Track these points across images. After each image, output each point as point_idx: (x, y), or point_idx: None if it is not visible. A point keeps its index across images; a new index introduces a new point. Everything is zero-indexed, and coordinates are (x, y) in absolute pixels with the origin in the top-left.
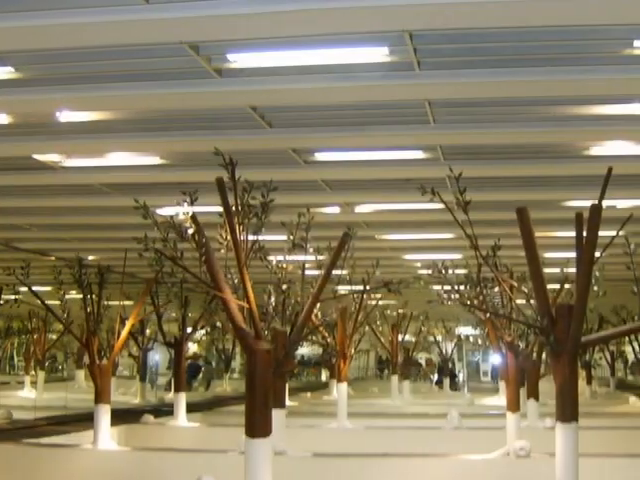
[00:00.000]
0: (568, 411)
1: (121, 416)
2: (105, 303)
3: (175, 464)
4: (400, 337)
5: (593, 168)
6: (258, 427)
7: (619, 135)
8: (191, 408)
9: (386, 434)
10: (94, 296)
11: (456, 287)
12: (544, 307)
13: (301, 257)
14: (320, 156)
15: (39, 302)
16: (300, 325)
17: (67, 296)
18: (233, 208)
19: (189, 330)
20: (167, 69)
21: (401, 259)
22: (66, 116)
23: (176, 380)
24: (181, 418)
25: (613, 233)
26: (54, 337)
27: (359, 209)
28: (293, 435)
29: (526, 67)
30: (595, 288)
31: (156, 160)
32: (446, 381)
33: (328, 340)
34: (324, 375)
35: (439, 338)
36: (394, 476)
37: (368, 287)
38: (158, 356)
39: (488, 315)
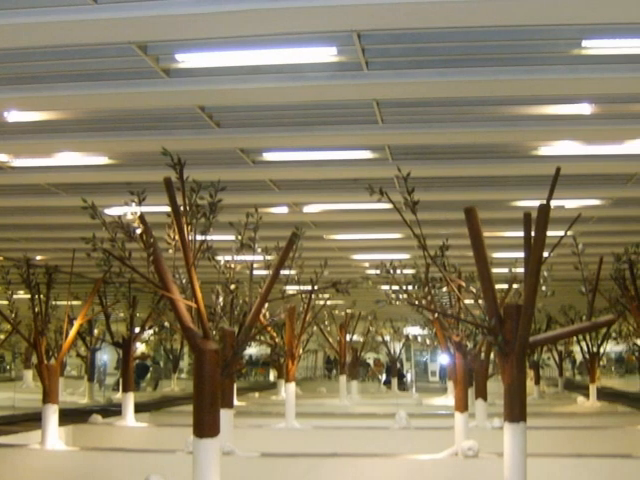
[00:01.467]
0: (516, 411)
1: (69, 416)
2: (53, 303)
3: (123, 464)
4: (348, 337)
5: (541, 168)
6: (206, 427)
7: (567, 135)
8: (139, 408)
9: (334, 434)
10: (42, 296)
11: (404, 287)
12: (492, 307)
13: (249, 257)
14: (268, 156)
15: None
16: (248, 325)
17: (15, 296)
18: (181, 208)
19: (137, 330)
20: (115, 69)
21: (349, 259)
22: (14, 116)
23: (124, 380)
24: (129, 418)
25: (561, 233)
26: (2, 337)
27: (307, 209)
28: (241, 435)
29: (474, 67)
30: (543, 288)
31: (104, 160)
32: (394, 381)
33: (276, 340)
34: (272, 375)
35: (387, 338)
36: (342, 476)
37: (316, 287)
38: (106, 356)
39: (436, 315)
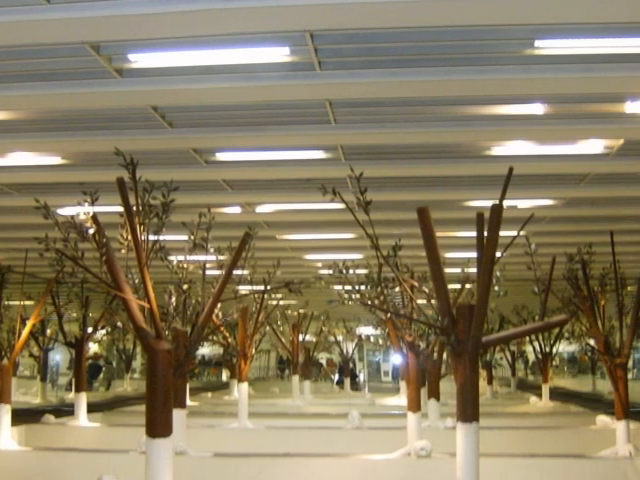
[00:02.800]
0: (469, 411)
1: (22, 416)
2: (5, 303)
3: (76, 464)
4: (301, 337)
5: (494, 168)
6: (159, 427)
7: (520, 135)
8: (92, 408)
9: (287, 434)
10: None
11: (357, 287)
12: (445, 307)
13: (202, 257)
14: (221, 156)
15: None
16: (201, 325)
17: None
18: (134, 208)
19: (90, 330)
20: (68, 69)
21: (302, 259)
22: None
23: (77, 380)
24: (82, 418)
25: (514, 233)
26: None
27: (260, 209)
28: (194, 435)
29: (427, 67)
30: (496, 288)
31: (57, 160)
32: (347, 381)
33: (229, 340)
34: (225, 375)
35: (340, 338)
36: (295, 476)
37: (269, 287)
38: (59, 356)
39: (389, 315)
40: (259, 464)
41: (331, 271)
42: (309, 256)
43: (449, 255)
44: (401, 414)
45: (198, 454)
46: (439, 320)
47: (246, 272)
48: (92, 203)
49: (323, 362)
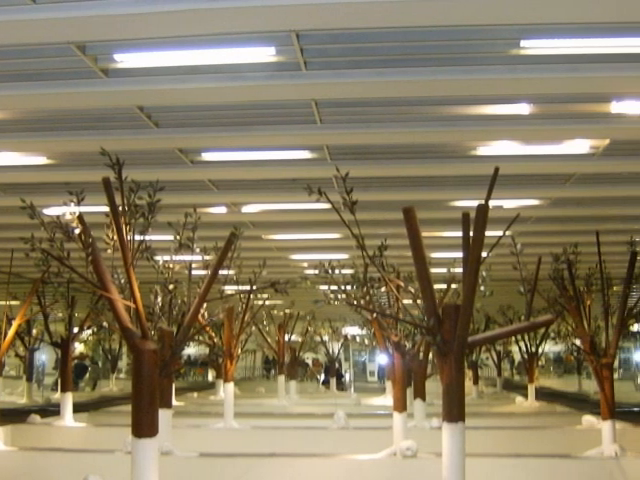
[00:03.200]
0: (455, 411)
1: (7, 416)
2: None
3: (62, 464)
4: (287, 337)
5: (480, 168)
6: (145, 427)
7: (506, 135)
8: (78, 408)
9: (273, 434)
10: None
11: (343, 287)
12: (431, 307)
13: (188, 257)
14: (207, 156)
15: None
16: (187, 325)
17: None
18: (120, 208)
19: (76, 330)
20: (54, 69)
21: (288, 259)
22: None
23: (62, 380)
24: (68, 418)
25: (500, 233)
26: None
27: (246, 209)
28: (180, 435)
29: (413, 67)
30: (482, 288)
31: (43, 160)
32: (333, 381)
33: (215, 340)
34: (210, 375)
35: (326, 338)
36: (281, 476)
37: (255, 287)
38: (45, 356)
39: (375, 315)
40: (245, 464)
41: (317, 271)
42: (295, 256)
43: (435, 255)
44: (387, 414)
45: (184, 454)
46: (425, 320)
47: (232, 272)
48: (78, 203)
49: (309, 362)
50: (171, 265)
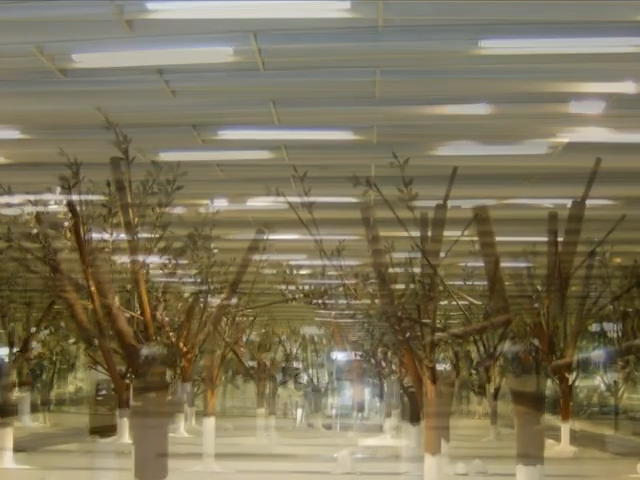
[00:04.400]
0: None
1: None
2: None
3: None
4: (245, 337)
5: (439, 168)
6: None
7: (464, 135)
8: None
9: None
10: None
11: (301, 287)
12: (390, 307)
13: (147, 257)
14: (165, 156)
15: None
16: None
17: None
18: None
19: (33, 330)
20: (12, 69)
21: (247, 259)
22: None
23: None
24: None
25: (458, 233)
26: None
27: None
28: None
29: (371, 67)
30: (440, 288)
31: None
32: (290, 381)
33: (173, 340)
34: (168, 375)
35: (284, 338)
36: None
37: (212, 287)
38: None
39: (333, 315)
40: None
41: (275, 271)
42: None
43: (394, 255)
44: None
45: None
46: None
47: (192, 272)
48: (35, 203)
49: (267, 362)
50: (130, 265)
